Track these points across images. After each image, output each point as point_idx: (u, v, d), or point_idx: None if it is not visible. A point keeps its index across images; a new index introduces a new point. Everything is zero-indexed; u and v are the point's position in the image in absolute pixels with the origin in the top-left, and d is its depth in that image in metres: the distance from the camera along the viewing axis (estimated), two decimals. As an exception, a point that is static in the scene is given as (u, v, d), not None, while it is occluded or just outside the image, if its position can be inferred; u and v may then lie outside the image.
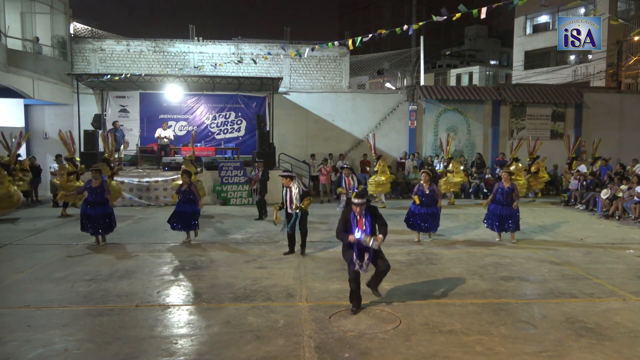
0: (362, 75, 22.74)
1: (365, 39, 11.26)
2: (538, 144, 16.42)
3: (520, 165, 15.86)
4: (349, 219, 6.06)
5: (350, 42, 11.48)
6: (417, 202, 10.11)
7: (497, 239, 10.39)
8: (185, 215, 9.97)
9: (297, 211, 8.76)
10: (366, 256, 5.97)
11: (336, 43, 11.88)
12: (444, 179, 15.48)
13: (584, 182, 15.35)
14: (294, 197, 8.81)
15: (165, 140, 16.56)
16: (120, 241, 10.09)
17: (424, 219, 10.15)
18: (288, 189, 8.92)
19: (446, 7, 9.83)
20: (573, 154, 16.66)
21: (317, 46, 12.67)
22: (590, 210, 14.64)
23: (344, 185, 12.38)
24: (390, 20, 58.68)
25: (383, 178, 14.80)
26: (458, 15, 9.57)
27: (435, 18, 9.91)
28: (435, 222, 10.33)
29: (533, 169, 16.19)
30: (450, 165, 15.69)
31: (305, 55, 14.18)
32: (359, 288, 6.12)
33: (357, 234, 5.91)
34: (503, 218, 10.11)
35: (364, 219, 6.01)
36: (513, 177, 14.67)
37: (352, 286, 6.10)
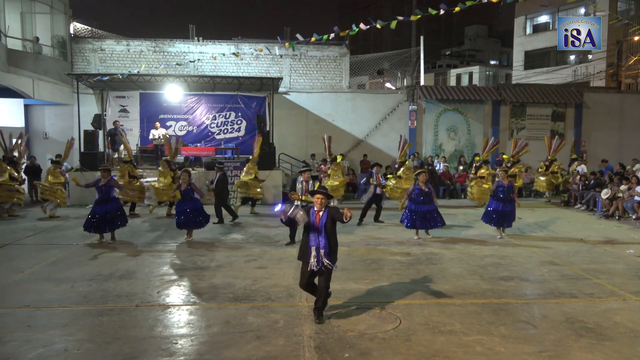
0: (362, 75, 22.72)
1: (364, 28, 11.23)
2: (524, 148, 15.58)
3: (490, 169, 15.44)
4: (308, 212, 5.92)
5: (346, 33, 11.45)
6: (400, 208, 10.46)
7: (499, 236, 10.63)
8: (187, 213, 10.12)
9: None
10: (322, 252, 5.76)
11: (332, 35, 11.82)
12: (393, 182, 14.51)
13: (586, 182, 15.36)
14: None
15: (160, 139, 16.58)
16: (120, 241, 10.09)
17: (425, 217, 10.29)
18: (305, 182, 9.83)
19: (446, 5, 9.85)
20: (554, 156, 16.01)
21: (313, 38, 12.64)
22: (590, 210, 14.64)
23: (373, 179, 12.24)
24: (390, 20, 58.54)
25: (336, 182, 14.09)
26: (457, 9, 9.57)
27: (433, 11, 9.91)
28: (440, 218, 10.45)
29: (510, 172, 15.05)
30: (401, 170, 14.50)
31: (299, 54, 14.10)
32: (314, 291, 5.97)
33: (277, 207, 6.04)
34: (502, 214, 10.51)
35: (321, 219, 5.81)
36: (483, 180, 14.82)
37: (305, 291, 6.07)
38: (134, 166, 13.43)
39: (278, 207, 6.07)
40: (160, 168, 13.48)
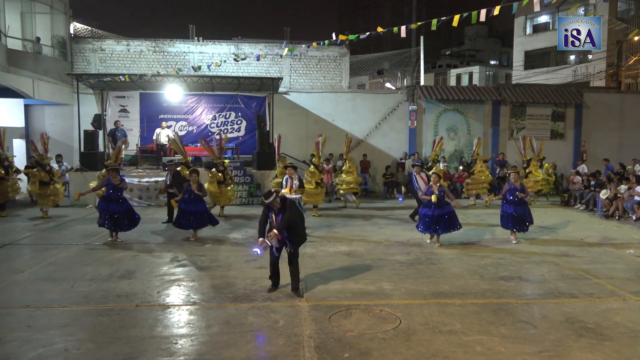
0: (362, 75, 22.72)
1: (362, 36, 11.30)
2: (478, 144, 15.82)
3: (440, 167, 15.19)
4: (267, 212, 6.72)
5: (346, 37, 11.51)
6: (434, 200, 9.40)
7: (514, 241, 10.13)
8: (194, 214, 10.29)
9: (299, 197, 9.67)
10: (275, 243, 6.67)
11: (333, 39, 11.91)
12: (337, 178, 14.52)
13: (588, 182, 15.36)
14: (294, 187, 10.15)
15: (163, 140, 16.57)
16: (120, 241, 10.10)
17: (442, 221, 9.62)
18: (290, 178, 10.50)
19: (446, 6, 9.93)
20: (527, 157, 15.82)
21: (314, 44, 12.73)
22: (590, 210, 14.65)
23: (415, 183, 11.46)
24: (390, 20, 58.68)
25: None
26: (457, 17, 9.63)
27: (434, 25, 9.94)
28: (457, 221, 9.80)
29: (474, 169, 15.34)
30: (347, 164, 14.66)
31: (299, 54, 13.97)
32: (277, 270, 6.91)
33: (267, 242, 6.52)
34: (518, 218, 10.02)
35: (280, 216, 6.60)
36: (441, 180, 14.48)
37: (271, 268, 6.91)
38: (188, 167, 13.45)
39: (256, 249, 6.53)
40: (209, 174, 13.42)
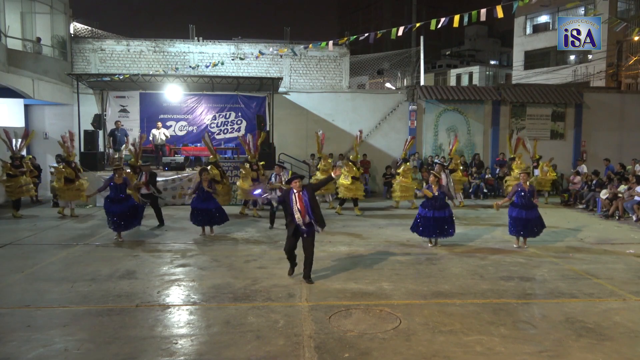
0: (362, 75, 22.72)
1: (361, 38, 11.32)
2: (455, 142, 15.54)
3: (408, 165, 14.90)
4: (287, 195, 7.32)
5: (344, 40, 11.56)
6: (430, 195, 9.23)
7: (515, 245, 9.77)
8: (208, 212, 10.67)
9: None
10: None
11: (330, 49, 12.02)
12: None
13: (589, 182, 15.36)
14: (283, 184, 10.80)
15: (160, 140, 16.58)
16: (121, 241, 10.10)
17: (443, 223, 9.43)
18: (278, 176, 11.55)
19: (446, 6, 9.94)
20: (513, 154, 15.62)
21: (310, 45, 12.80)
22: (590, 210, 14.65)
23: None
24: (390, 20, 58.74)
25: (245, 185, 13.16)
26: (457, 18, 9.62)
27: (433, 25, 9.93)
28: (454, 225, 9.63)
29: (451, 166, 14.91)
30: (322, 163, 13.93)
31: (299, 54, 13.97)
32: (293, 256, 7.53)
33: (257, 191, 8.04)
34: (528, 222, 9.46)
35: (303, 198, 7.18)
36: (402, 178, 14.26)
37: (287, 255, 7.51)
38: (217, 167, 13.42)
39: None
40: (241, 170, 13.42)
